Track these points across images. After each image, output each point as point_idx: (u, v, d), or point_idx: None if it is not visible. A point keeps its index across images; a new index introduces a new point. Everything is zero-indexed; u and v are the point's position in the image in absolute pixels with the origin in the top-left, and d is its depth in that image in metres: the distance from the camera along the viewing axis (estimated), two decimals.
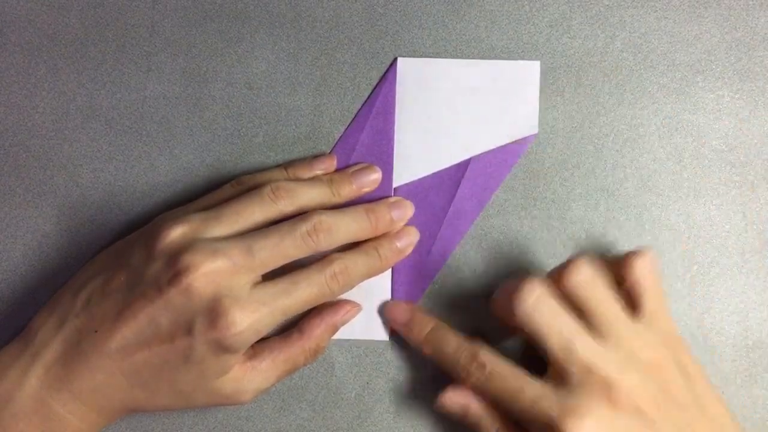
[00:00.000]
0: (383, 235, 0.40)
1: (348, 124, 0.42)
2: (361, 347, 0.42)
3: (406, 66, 0.42)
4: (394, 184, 0.42)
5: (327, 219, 0.38)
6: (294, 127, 0.43)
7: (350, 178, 0.41)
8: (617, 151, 0.42)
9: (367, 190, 0.41)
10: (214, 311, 0.35)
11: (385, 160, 0.42)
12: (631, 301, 0.37)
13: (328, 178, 0.40)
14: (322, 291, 0.37)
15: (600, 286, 0.37)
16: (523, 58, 0.42)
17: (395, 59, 0.42)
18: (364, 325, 0.42)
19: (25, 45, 0.43)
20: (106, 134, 0.43)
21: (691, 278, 0.42)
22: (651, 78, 0.42)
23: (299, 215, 0.38)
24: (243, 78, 0.43)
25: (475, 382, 0.37)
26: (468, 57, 0.42)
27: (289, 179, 0.40)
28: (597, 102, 0.42)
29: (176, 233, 0.36)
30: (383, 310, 0.41)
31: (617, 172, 0.42)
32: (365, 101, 0.42)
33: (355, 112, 0.42)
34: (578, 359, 0.35)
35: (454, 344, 0.39)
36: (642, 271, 0.37)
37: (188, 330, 0.35)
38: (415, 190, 0.42)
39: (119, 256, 0.38)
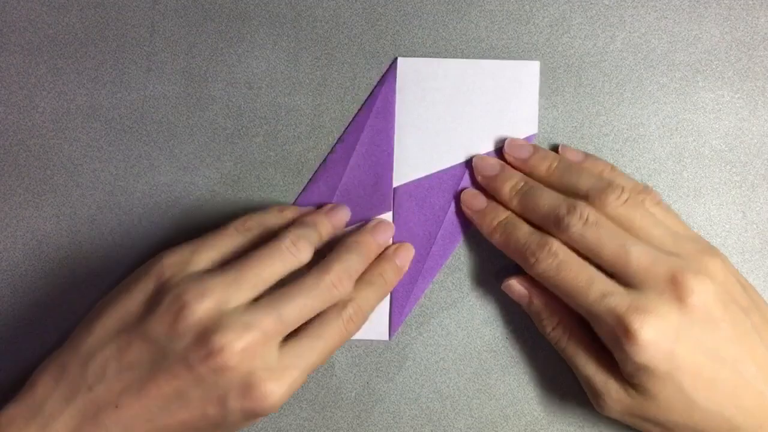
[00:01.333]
0: (381, 258, 0.40)
1: (348, 124, 0.42)
2: (361, 347, 0.42)
3: (406, 66, 0.42)
4: (395, 184, 0.42)
5: (343, 267, 0.37)
6: (294, 127, 0.43)
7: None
8: (617, 150, 0.42)
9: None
10: (248, 386, 0.34)
11: (385, 160, 0.42)
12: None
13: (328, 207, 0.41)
14: (342, 337, 0.37)
15: (644, 203, 0.38)
16: (523, 58, 0.42)
17: (395, 59, 0.42)
18: (364, 325, 0.41)
19: (25, 45, 0.43)
20: (106, 134, 0.43)
21: None
22: (651, 78, 0.42)
23: (318, 267, 0.37)
24: (243, 78, 0.43)
25: (544, 270, 0.37)
26: (468, 57, 0.42)
27: (297, 225, 0.39)
28: (597, 102, 0.42)
29: (202, 308, 0.34)
30: (460, 196, 0.41)
31: None
32: (365, 101, 0.42)
33: (355, 112, 0.42)
34: (639, 264, 0.35)
35: (527, 231, 0.38)
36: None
37: (221, 403, 0.34)
38: (415, 190, 0.42)
39: (128, 319, 0.36)
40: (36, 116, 0.43)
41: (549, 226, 0.38)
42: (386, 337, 0.42)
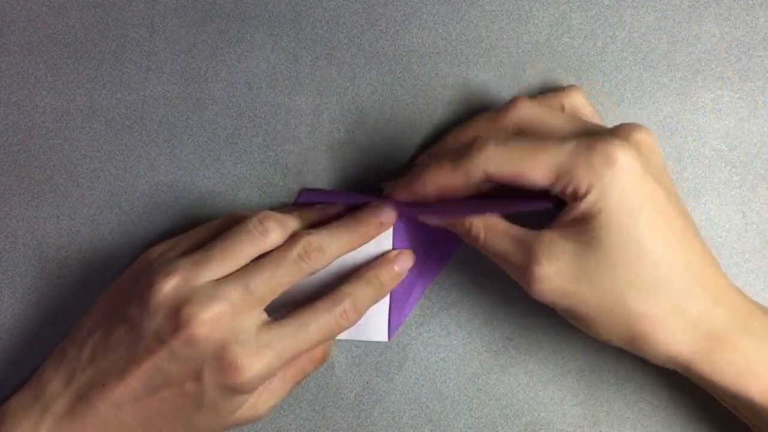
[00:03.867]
0: (380, 261, 0.40)
1: (348, 124, 0.42)
2: (361, 347, 0.42)
3: None
4: None
5: (316, 239, 0.37)
6: (294, 127, 0.43)
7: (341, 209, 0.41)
8: None
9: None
10: (222, 359, 0.35)
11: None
12: None
13: (320, 206, 0.41)
14: (332, 330, 0.37)
15: (545, 109, 0.37)
16: (522, 58, 0.42)
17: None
18: (364, 325, 0.42)
19: (25, 45, 0.43)
20: (106, 134, 0.43)
21: None
22: (651, 78, 0.42)
23: (288, 240, 0.37)
24: (243, 78, 0.43)
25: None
26: (468, 57, 0.42)
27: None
28: (597, 102, 0.42)
29: (169, 285, 0.36)
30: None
31: None
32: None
33: (355, 112, 0.42)
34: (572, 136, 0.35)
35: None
36: (580, 99, 0.39)
37: (197, 377, 0.35)
38: None
39: (116, 306, 0.38)
40: (36, 116, 0.43)
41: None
42: (386, 338, 0.42)
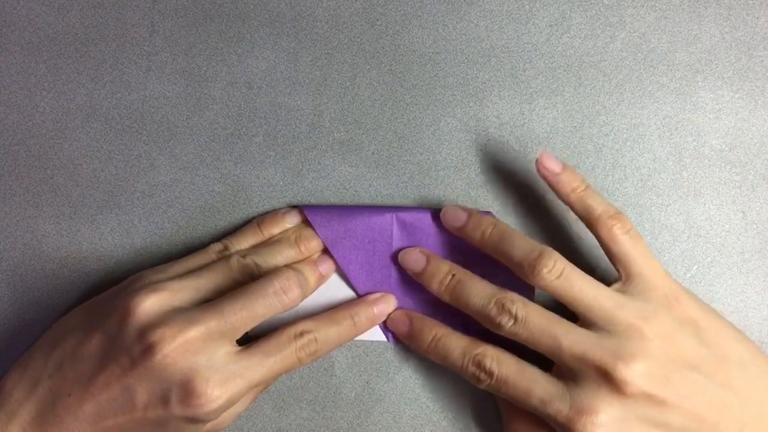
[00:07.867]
0: (360, 302, 0.40)
1: (348, 124, 0.42)
2: (361, 347, 0.42)
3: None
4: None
5: (295, 275, 0.38)
6: (294, 127, 0.43)
7: (315, 234, 0.41)
8: (617, 150, 0.42)
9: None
10: (189, 385, 0.34)
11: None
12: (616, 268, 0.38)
13: (295, 236, 0.41)
14: (293, 363, 0.37)
15: (575, 274, 0.37)
16: (522, 58, 0.42)
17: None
18: None
19: (25, 45, 0.43)
20: (106, 134, 0.43)
21: (691, 278, 0.42)
22: (651, 78, 0.42)
23: (268, 274, 0.38)
24: (243, 78, 0.43)
25: (486, 388, 0.37)
26: (468, 57, 0.42)
27: (257, 245, 0.41)
28: (597, 102, 0.42)
29: (148, 304, 0.36)
30: (386, 321, 0.41)
31: (617, 172, 0.42)
32: None
33: (355, 112, 0.42)
34: (572, 356, 0.35)
35: (458, 353, 0.38)
36: (619, 237, 0.37)
37: (164, 402, 0.35)
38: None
39: (94, 315, 0.38)
40: (36, 116, 0.43)
41: (483, 322, 0.38)
42: (386, 338, 0.42)
